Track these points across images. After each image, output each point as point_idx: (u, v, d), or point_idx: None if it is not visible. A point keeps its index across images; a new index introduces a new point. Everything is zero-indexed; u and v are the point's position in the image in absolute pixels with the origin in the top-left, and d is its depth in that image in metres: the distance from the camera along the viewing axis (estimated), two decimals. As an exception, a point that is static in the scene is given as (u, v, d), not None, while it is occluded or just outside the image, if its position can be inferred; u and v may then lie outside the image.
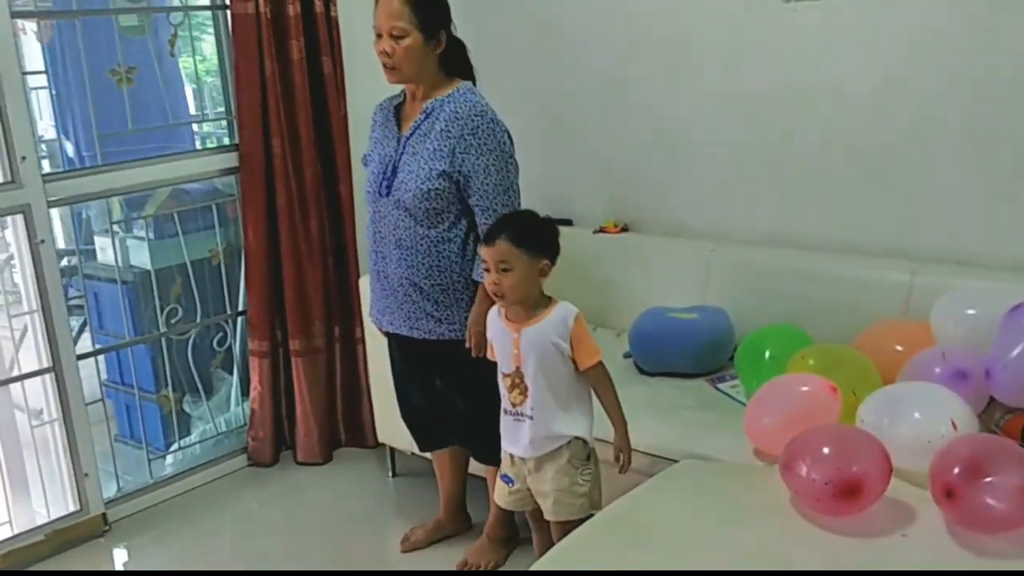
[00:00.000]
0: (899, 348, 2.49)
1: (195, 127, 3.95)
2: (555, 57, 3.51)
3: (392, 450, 3.41)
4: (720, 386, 2.82)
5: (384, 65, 2.45)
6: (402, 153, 2.51)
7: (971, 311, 2.44)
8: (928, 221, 2.81)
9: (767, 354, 2.64)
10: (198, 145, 3.83)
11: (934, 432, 2.05)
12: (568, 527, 2.33)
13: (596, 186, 3.52)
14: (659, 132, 3.32)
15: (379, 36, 2.44)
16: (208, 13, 3.47)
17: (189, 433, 3.68)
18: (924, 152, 2.79)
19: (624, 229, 3.41)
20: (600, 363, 2.33)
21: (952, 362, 2.27)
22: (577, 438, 2.36)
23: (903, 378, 2.34)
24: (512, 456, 2.45)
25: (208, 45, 3.59)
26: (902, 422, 2.10)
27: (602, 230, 3.41)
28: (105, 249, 3.61)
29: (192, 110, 3.93)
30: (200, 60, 3.60)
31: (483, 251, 2.30)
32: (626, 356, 2.99)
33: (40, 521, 3.10)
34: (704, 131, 3.21)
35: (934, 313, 2.49)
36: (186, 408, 3.71)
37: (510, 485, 2.48)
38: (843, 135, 2.92)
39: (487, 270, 2.29)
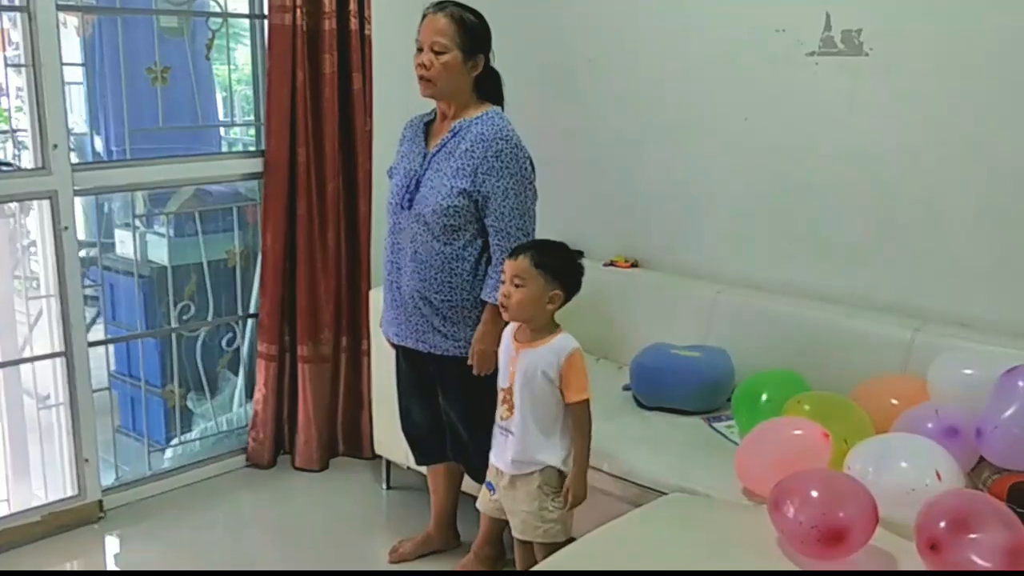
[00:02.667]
0: (894, 402, 2.52)
1: (222, 131, 4.04)
2: (580, 94, 3.57)
3: (388, 462, 3.45)
4: (715, 425, 2.85)
5: (420, 77, 2.54)
6: (426, 169, 2.59)
7: (968, 371, 2.47)
8: (933, 282, 2.85)
9: (763, 397, 2.68)
10: (224, 149, 3.91)
11: (918, 481, 2.09)
12: (550, 549, 2.37)
13: (610, 221, 3.57)
14: (676, 175, 3.38)
15: (420, 50, 2.53)
16: (246, 21, 3.56)
17: (190, 429, 3.73)
18: (934, 216, 2.83)
19: (634, 265, 3.46)
20: (585, 402, 2.37)
21: (944, 419, 2.31)
22: (551, 466, 2.41)
23: (896, 431, 2.37)
24: (495, 467, 2.51)
25: (242, 53, 3.68)
26: (888, 470, 2.14)
27: (612, 264, 3.46)
28: (124, 242, 3.68)
29: (221, 115, 4.02)
30: (233, 69, 3.68)
31: (506, 262, 2.38)
32: (626, 388, 3.03)
33: (37, 502, 3.14)
34: (720, 178, 3.27)
35: (931, 371, 2.52)
36: (189, 405, 3.76)
37: (492, 493, 2.55)
38: (857, 193, 2.96)
39: (503, 281, 2.36)
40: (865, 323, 2.85)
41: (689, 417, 2.90)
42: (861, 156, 2.95)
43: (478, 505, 2.61)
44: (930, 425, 2.31)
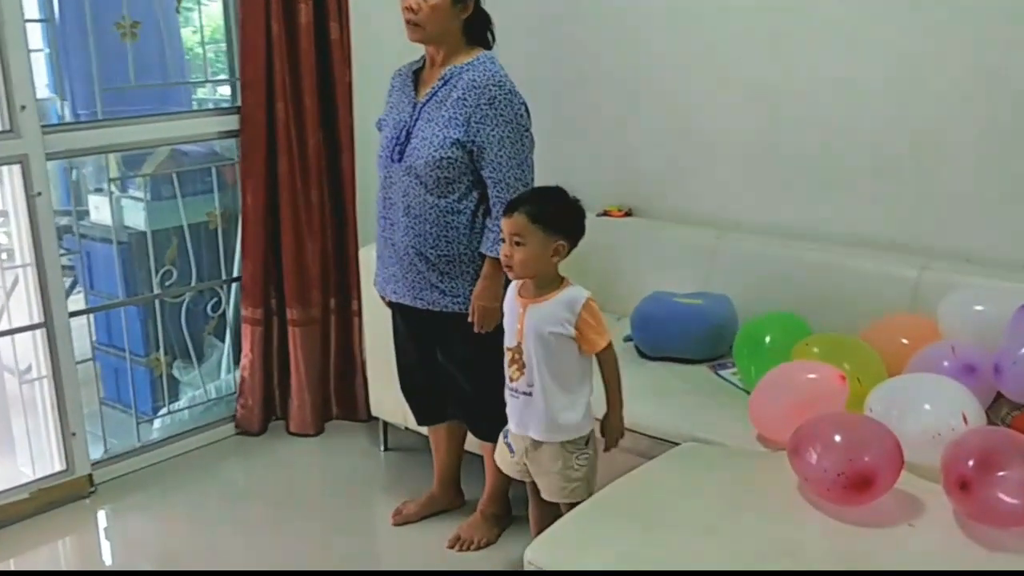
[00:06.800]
0: (905, 341, 2.49)
1: (216, 89, 3.88)
2: (567, 37, 3.47)
3: (385, 424, 3.38)
4: (721, 372, 2.80)
5: (408, 21, 2.41)
6: (417, 119, 2.48)
7: (979, 307, 2.44)
8: (938, 218, 2.80)
9: (767, 340, 2.63)
10: (197, 107, 3.76)
11: (944, 425, 2.04)
12: (571, 509, 2.30)
13: (601, 169, 3.48)
14: (668, 118, 3.28)
15: None
16: (216, -29, 3.41)
17: (177, 398, 3.63)
18: (937, 150, 2.77)
19: (628, 213, 3.38)
20: (608, 347, 2.28)
21: (961, 356, 2.27)
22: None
23: (910, 370, 2.33)
24: (512, 431, 2.41)
25: (214, 5, 3.52)
26: (912, 414, 2.09)
27: (606, 214, 3.38)
28: (99, 208, 3.54)
29: (194, 70, 3.86)
30: (204, 24, 3.52)
31: (502, 221, 2.27)
32: (627, 339, 2.97)
33: (25, 479, 3.04)
34: (714, 118, 3.18)
35: (942, 308, 2.48)
36: (175, 373, 3.65)
37: (513, 455, 2.44)
38: (857, 129, 2.89)
39: (503, 240, 2.26)
40: (869, 263, 2.81)
41: (694, 365, 2.85)
42: (858, 91, 2.87)
43: (499, 464, 2.49)
44: (946, 363, 2.26)
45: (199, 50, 3.56)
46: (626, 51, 3.33)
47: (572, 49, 3.46)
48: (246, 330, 3.48)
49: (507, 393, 2.37)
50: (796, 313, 2.73)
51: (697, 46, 3.17)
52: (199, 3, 3.41)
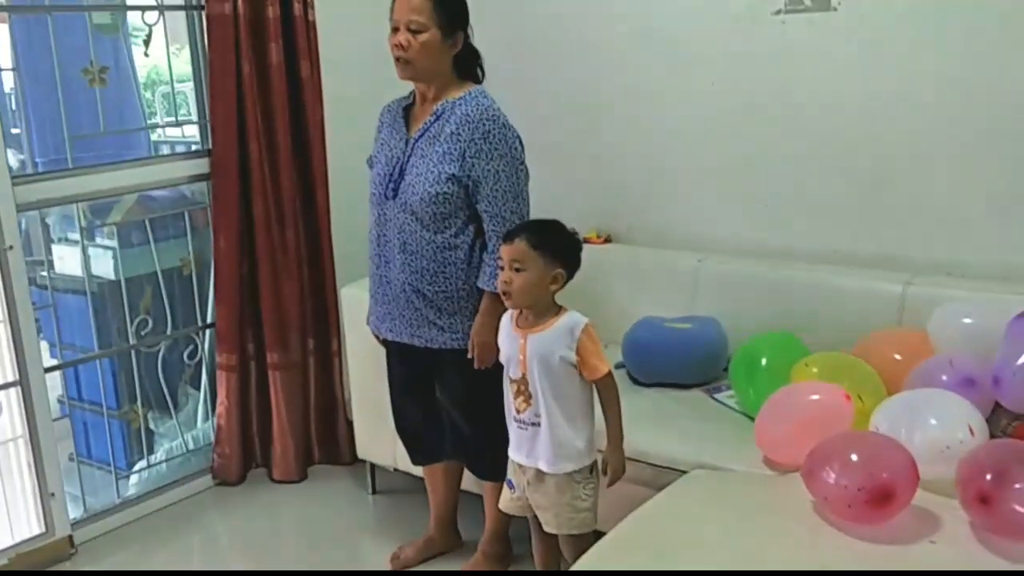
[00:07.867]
0: (897, 357, 2.51)
1: (163, 132, 3.80)
2: (542, 64, 3.47)
3: (372, 466, 3.31)
4: (717, 396, 2.80)
5: (397, 59, 2.39)
6: (410, 155, 2.45)
7: (968, 320, 2.46)
8: (920, 232, 2.84)
9: (763, 361, 2.64)
10: (166, 151, 3.69)
11: (952, 438, 2.06)
12: (579, 541, 2.28)
13: (578, 196, 3.46)
14: (644, 142, 3.31)
15: (395, 30, 2.38)
16: (183, 14, 3.34)
17: (152, 451, 3.51)
18: (915, 166, 2.82)
19: (607, 240, 3.38)
20: (609, 374, 2.28)
21: (960, 369, 2.29)
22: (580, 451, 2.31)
23: (909, 385, 2.34)
24: (516, 463, 2.39)
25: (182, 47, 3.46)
26: (919, 429, 2.10)
27: (585, 241, 3.36)
28: (64, 258, 3.44)
29: (159, 115, 3.79)
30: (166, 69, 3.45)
31: (501, 248, 2.27)
32: (618, 366, 2.95)
33: (3, 545, 2.90)
34: (691, 142, 3.21)
35: (932, 322, 2.50)
36: (149, 425, 3.54)
37: (513, 491, 2.42)
38: (833, 148, 2.94)
39: (502, 268, 2.25)
40: (854, 280, 2.83)
41: (688, 390, 2.85)
42: (835, 112, 2.92)
43: (501, 506, 2.48)
44: (945, 377, 2.28)
45: (147, 94, 3.48)
46: (599, 77, 3.34)
47: (545, 77, 3.46)
48: (221, 377, 3.38)
49: (514, 426, 2.35)
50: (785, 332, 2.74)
51: (670, 70, 3.19)
52: (167, 44, 3.33)
